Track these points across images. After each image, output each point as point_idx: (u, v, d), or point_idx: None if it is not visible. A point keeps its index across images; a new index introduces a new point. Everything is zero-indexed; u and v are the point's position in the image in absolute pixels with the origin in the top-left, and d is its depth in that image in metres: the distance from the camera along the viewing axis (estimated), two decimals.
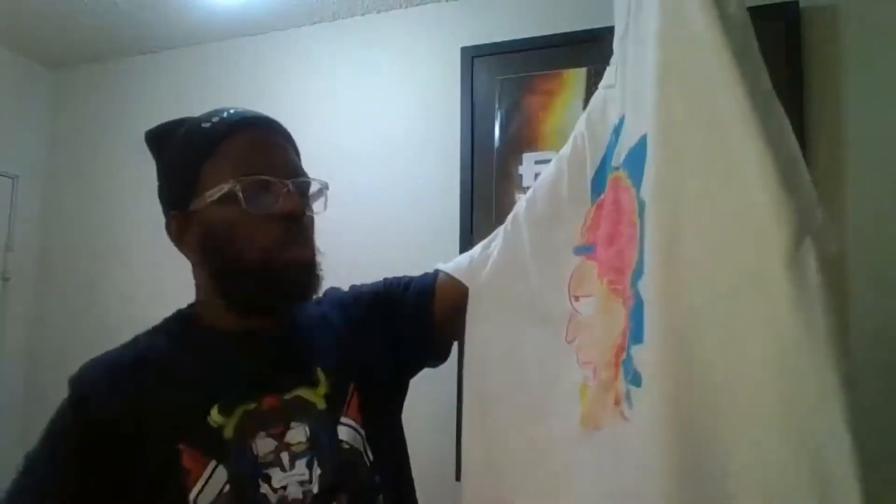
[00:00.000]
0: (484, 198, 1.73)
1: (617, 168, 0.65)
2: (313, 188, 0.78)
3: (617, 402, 0.59)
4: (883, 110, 1.47)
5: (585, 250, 0.73)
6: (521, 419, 0.73)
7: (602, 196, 0.71)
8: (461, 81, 1.84)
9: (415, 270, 0.93)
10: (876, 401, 1.38)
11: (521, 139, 1.70)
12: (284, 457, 0.69)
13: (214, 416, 0.69)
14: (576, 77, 1.66)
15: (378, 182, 1.93)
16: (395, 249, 1.83)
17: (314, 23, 2.08)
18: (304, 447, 0.70)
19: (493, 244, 0.84)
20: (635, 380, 0.54)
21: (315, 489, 0.68)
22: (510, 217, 0.83)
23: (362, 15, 2.03)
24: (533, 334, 0.74)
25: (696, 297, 0.46)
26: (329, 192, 0.79)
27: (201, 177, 0.71)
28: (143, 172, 0.81)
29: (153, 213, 0.82)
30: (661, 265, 0.49)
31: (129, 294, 2.20)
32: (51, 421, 0.70)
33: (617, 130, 0.66)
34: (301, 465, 0.69)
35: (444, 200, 1.79)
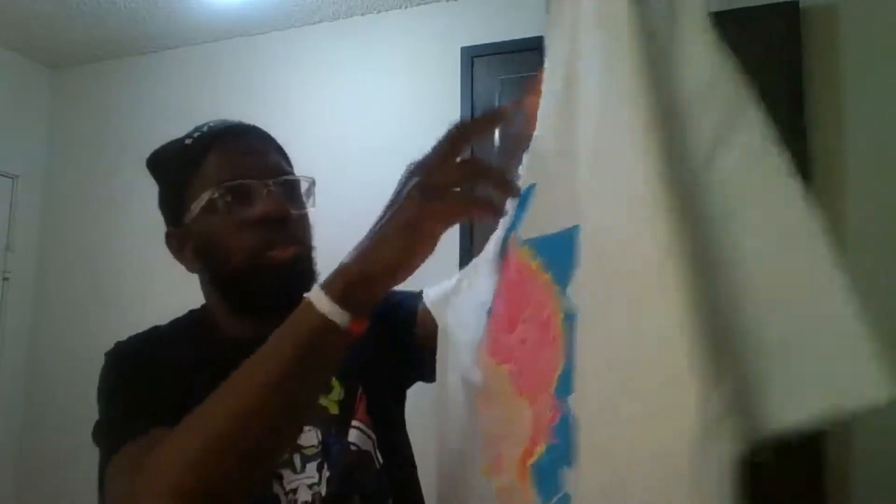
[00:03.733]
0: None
1: (525, 242, 0.59)
2: (303, 186, 0.78)
3: None
4: (883, 110, 1.47)
5: (488, 313, 0.66)
6: (458, 471, 0.69)
7: (501, 262, 0.66)
8: (461, 81, 1.84)
9: None
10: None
11: (521, 139, 1.70)
12: (297, 458, 0.69)
13: None
14: None
15: (378, 182, 1.92)
16: None
17: (314, 23, 2.08)
18: (315, 451, 0.71)
19: (465, 276, 0.77)
20: (564, 502, 0.49)
21: (323, 492, 0.69)
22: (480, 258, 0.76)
23: (362, 15, 2.03)
24: (466, 393, 0.68)
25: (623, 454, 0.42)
26: (327, 192, 0.79)
27: (188, 192, 0.73)
28: (142, 173, 0.81)
29: (152, 214, 0.83)
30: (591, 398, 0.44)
31: (128, 293, 2.20)
32: (108, 379, 0.71)
33: (524, 198, 0.60)
34: (311, 468, 0.70)
35: None
